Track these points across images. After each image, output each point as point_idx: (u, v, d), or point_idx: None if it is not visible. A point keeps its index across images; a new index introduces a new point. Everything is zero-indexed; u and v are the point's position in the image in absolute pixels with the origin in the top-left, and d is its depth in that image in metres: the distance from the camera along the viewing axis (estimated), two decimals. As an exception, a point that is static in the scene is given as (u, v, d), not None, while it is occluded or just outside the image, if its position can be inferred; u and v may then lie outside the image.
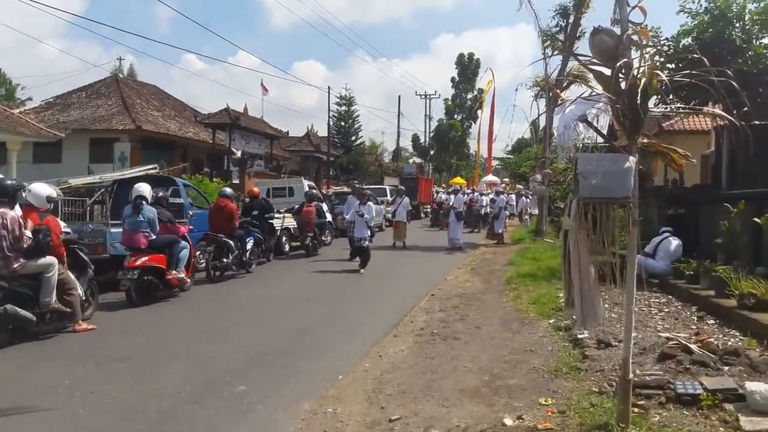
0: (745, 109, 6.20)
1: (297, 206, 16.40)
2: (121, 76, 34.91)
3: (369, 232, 13.32)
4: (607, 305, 4.40)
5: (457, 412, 4.57)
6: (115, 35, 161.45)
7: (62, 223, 7.78)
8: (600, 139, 4.68)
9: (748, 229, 8.21)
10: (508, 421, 4.30)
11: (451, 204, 21.02)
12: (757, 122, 8.40)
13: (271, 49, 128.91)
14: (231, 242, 11.57)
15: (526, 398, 4.81)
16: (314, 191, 19.08)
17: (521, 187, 36.73)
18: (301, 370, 5.83)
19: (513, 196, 31.68)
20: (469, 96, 56.57)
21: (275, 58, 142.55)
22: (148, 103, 28.94)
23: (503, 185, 36.94)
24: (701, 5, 11.29)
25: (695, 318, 7.11)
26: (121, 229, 9.46)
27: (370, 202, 13.72)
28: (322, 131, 43.81)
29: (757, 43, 10.85)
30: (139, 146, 24.03)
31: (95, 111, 26.60)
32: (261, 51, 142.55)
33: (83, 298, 7.64)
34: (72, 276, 7.42)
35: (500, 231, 20.69)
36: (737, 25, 10.89)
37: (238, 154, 27.22)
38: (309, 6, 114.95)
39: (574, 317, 6.53)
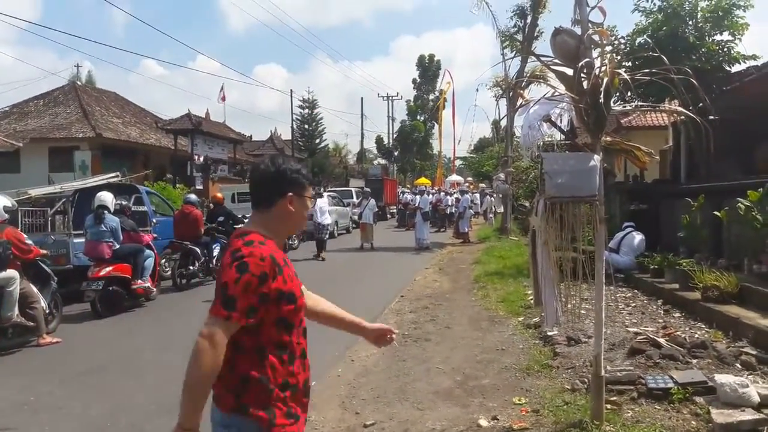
0: (701, 104, 6.37)
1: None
2: (79, 83, 33.95)
3: (329, 219, 12.62)
4: (575, 301, 4.45)
5: (431, 414, 4.56)
6: (72, 42, 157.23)
7: (24, 235, 7.52)
8: (560, 138, 4.75)
9: (708, 223, 8.44)
10: (483, 422, 4.31)
11: (417, 204, 21.10)
12: (713, 117, 8.66)
13: (231, 53, 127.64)
14: (197, 249, 11.37)
15: (500, 398, 4.83)
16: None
17: (484, 185, 37.12)
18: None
19: (477, 195, 32.01)
20: (431, 97, 56.93)
21: (235, 62, 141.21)
22: (108, 110, 28.26)
23: (467, 184, 37.30)
24: (655, 4, 11.54)
25: (661, 311, 7.27)
26: (83, 240, 9.22)
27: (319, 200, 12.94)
28: (286, 134, 43.56)
29: (710, 40, 11.14)
30: (99, 154, 23.41)
31: (53, 119, 25.85)
32: (221, 55, 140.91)
33: (47, 311, 7.40)
34: (34, 288, 7.20)
35: (466, 230, 20.86)
36: (690, 22, 11.17)
37: (201, 159, 26.81)
38: (267, 9, 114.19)
39: (543, 315, 6.62)
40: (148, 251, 9.54)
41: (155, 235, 10.60)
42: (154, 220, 11.92)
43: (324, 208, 16.86)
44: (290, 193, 2.09)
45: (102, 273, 8.60)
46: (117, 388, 5.55)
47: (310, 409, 4.71)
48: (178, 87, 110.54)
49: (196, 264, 11.36)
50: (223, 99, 33.59)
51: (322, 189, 24.06)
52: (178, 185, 22.78)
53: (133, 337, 7.63)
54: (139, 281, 9.20)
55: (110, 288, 8.73)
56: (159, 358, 6.55)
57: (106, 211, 8.98)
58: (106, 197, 9.21)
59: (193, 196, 12.54)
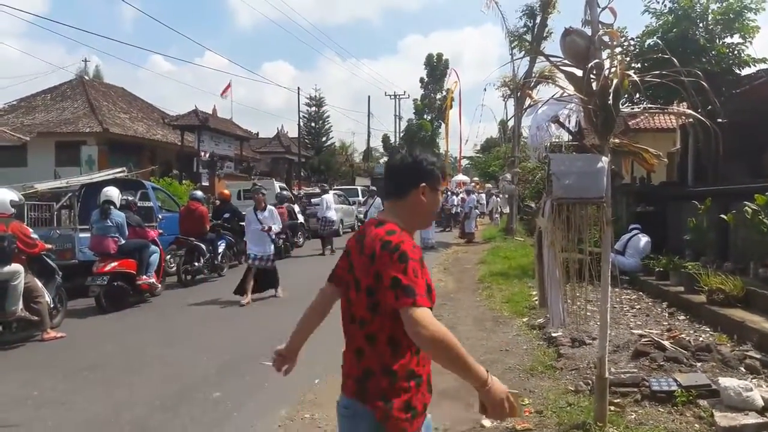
0: (710, 107, 6.33)
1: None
2: (86, 78, 34.09)
3: (272, 247, 9.92)
4: (579, 303, 4.43)
5: (435, 414, 4.51)
6: (80, 36, 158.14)
7: (29, 229, 7.54)
8: (568, 139, 4.73)
9: (715, 226, 8.40)
10: (487, 423, 4.31)
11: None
12: (721, 120, 8.62)
13: (238, 50, 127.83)
14: (202, 245, 11.41)
15: (504, 398, 4.81)
16: (285, 193, 18.96)
17: (490, 186, 37.05)
18: (276, 375, 5.69)
19: (483, 195, 31.96)
20: (438, 96, 56.78)
21: (243, 59, 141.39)
22: (115, 106, 28.36)
23: (473, 184, 37.23)
24: (665, 6, 11.48)
25: (666, 314, 7.24)
26: (89, 234, 9.26)
27: (271, 207, 10.21)
28: (293, 132, 43.54)
29: (720, 42, 11.08)
30: (106, 149, 23.51)
31: (61, 114, 25.96)
32: (229, 51, 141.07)
33: (51, 306, 7.44)
34: (39, 283, 7.22)
35: (471, 230, 20.82)
36: (701, 25, 11.10)
37: (207, 155, 26.88)
38: (275, 6, 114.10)
39: (548, 316, 6.60)
40: (153, 247, 9.58)
41: (161, 231, 10.63)
42: (160, 216, 11.98)
43: (330, 203, 17.10)
44: (423, 184, 2.14)
45: (107, 268, 8.64)
46: (121, 383, 5.56)
47: (314, 408, 4.76)
48: (186, 83, 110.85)
49: (201, 260, 11.40)
50: (223, 93, 33.54)
51: (328, 186, 24.09)
52: (184, 181, 22.85)
53: (137, 332, 7.65)
54: (144, 277, 9.25)
55: (115, 283, 8.78)
56: (163, 353, 6.57)
57: (112, 207, 9.03)
58: (113, 192, 9.25)
59: (199, 193, 12.58)
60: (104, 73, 50.25)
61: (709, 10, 11.11)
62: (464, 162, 52.10)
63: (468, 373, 1.90)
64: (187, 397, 5.14)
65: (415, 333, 1.84)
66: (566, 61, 4.18)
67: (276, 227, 9.93)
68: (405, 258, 1.92)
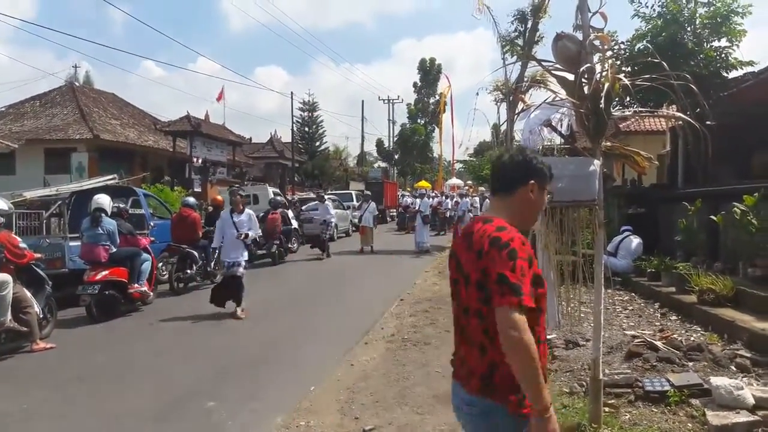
0: (698, 110, 6.39)
1: (262, 214, 16.21)
2: (77, 84, 33.91)
3: (245, 254, 9.19)
4: (573, 305, 4.45)
5: (431, 419, 4.56)
6: (70, 42, 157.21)
7: (18, 239, 7.47)
8: (560, 142, 4.76)
9: (705, 227, 8.47)
10: (482, 426, 4.30)
11: (417, 208, 21.10)
12: (710, 122, 8.68)
13: (231, 55, 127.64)
14: (195, 253, 11.35)
15: (499, 402, 4.82)
16: (279, 198, 18.92)
17: (484, 189, 37.13)
18: (271, 382, 5.74)
19: (477, 199, 32.02)
20: (432, 100, 56.93)
21: (236, 64, 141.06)
22: (106, 112, 28.23)
23: (467, 188, 37.26)
24: (654, 10, 11.58)
25: (658, 314, 7.29)
26: (79, 243, 9.18)
27: (249, 210, 9.55)
28: (286, 137, 43.53)
29: (708, 46, 11.19)
30: (97, 156, 23.39)
31: (50, 120, 25.81)
32: (221, 56, 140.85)
33: (41, 316, 7.36)
34: (28, 293, 7.14)
35: None
36: (689, 29, 11.20)
37: (200, 161, 26.80)
38: (268, 11, 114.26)
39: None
40: (145, 255, 9.52)
41: (152, 239, 10.57)
42: (152, 223, 11.91)
43: (330, 208, 17.85)
44: (533, 181, 2.18)
45: (98, 277, 8.56)
46: (113, 394, 5.51)
47: (309, 415, 4.75)
48: (178, 89, 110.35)
49: (194, 268, 11.34)
50: (219, 99, 33.57)
51: (323, 191, 24.13)
52: (176, 188, 22.74)
53: (129, 342, 7.59)
54: (136, 285, 9.18)
55: (106, 292, 8.69)
56: (155, 363, 6.53)
57: (103, 214, 8.96)
58: (104, 200, 9.19)
59: (191, 199, 12.52)
60: (95, 79, 50.19)
61: (697, 15, 11.22)
62: (458, 166, 52.19)
63: (538, 391, 1.91)
64: (181, 407, 5.11)
65: (507, 334, 1.87)
66: (558, 66, 4.20)
67: (252, 233, 9.26)
68: (514, 255, 1.95)
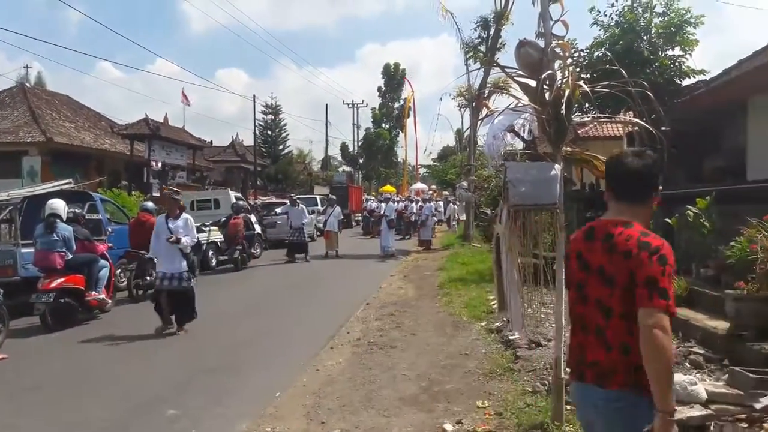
0: (654, 116, 6.60)
1: (224, 219, 15.99)
2: (28, 85, 32.86)
3: (184, 263, 8.14)
4: (534, 306, 4.54)
5: (397, 421, 4.58)
6: (21, 42, 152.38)
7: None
8: (521, 147, 4.86)
9: (660, 229, 8.71)
10: (449, 427, 4.36)
11: (382, 212, 21.15)
12: (665, 128, 8.97)
13: (191, 57, 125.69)
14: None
15: (464, 402, 4.89)
16: (241, 203, 18.70)
17: (447, 193, 37.48)
18: (235, 389, 5.66)
19: (441, 203, 32.33)
20: (396, 105, 57.27)
21: (196, 66, 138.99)
22: (60, 114, 27.40)
23: (431, 192, 37.54)
24: (612, 19, 11.95)
25: (617, 315, 7.46)
26: (32, 249, 8.87)
27: (186, 215, 8.46)
28: (248, 140, 43.05)
29: (662, 55, 11.59)
30: (50, 160, 22.65)
31: (-1, 123, 24.94)
32: (181, 58, 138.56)
33: (-9, 326, 7.08)
34: (-22, 302, 6.87)
35: (427, 238, 21.02)
36: (645, 38, 11.59)
37: (159, 165, 26.30)
38: (229, 12, 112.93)
39: (504, 319, 6.72)
40: (102, 261, 9.29)
41: (110, 245, 10.32)
42: (109, 229, 11.59)
43: (304, 212, 18.07)
44: (659, 188, 2.26)
45: (53, 284, 8.28)
46: (70, 404, 5.35)
47: (275, 421, 4.70)
48: (136, 91, 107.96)
49: (153, 274, 11.09)
50: (187, 100, 33.18)
51: (295, 195, 23.97)
52: (134, 192, 22.27)
53: (86, 351, 7.34)
54: (93, 293, 8.92)
55: (62, 300, 8.39)
56: (115, 372, 6.36)
57: (58, 220, 8.70)
58: (58, 205, 8.92)
59: (150, 204, 12.25)
60: (47, 81, 48.74)
61: (653, 24, 11.61)
62: (422, 170, 52.62)
63: (666, 393, 1.99)
64: (142, 415, 4.99)
65: (651, 335, 1.96)
66: (521, 72, 4.30)
67: (187, 240, 8.07)
68: (664, 261, 2.03)
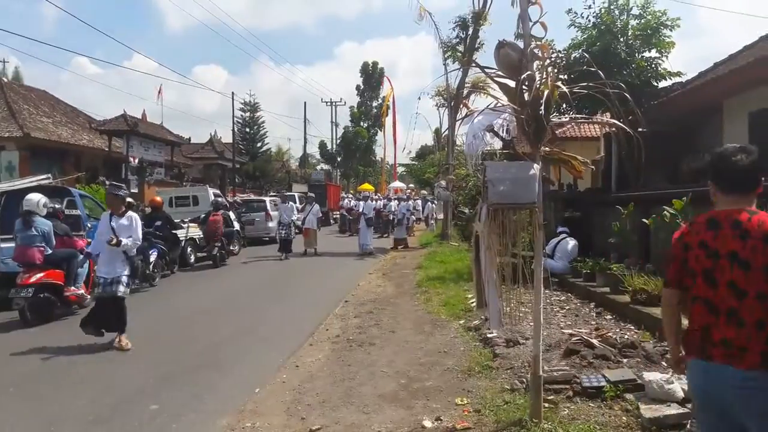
0: (631, 117, 6.73)
1: (203, 215, 15.89)
2: (5, 80, 32.22)
3: (126, 269, 7.23)
4: (513, 304, 4.61)
5: (377, 417, 4.62)
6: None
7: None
8: (499, 146, 4.93)
9: (637, 230, 8.89)
10: (428, 423, 4.41)
11: (361, 210, 21.18)
12: (642, 129, 9.12)
13: (169, 53, 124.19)
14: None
15: (443, 399, 4.95)
16: (221, 199, 18.59)
17: (425, 192, 37.64)
18: (215, 385, 5.66)
19: (419, 202, 32.46)
20: (374, 104, 57.37)
21: (174, 62, 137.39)
22: (37, 109, 26.94)
23: (409, 191, 37.64)
24: (590, 20, 12.13)
25: (594, 314, 7.61)
26: (12, 244, 8.76)
27: (132, 213, 7.53)
28: (226, 138, 42.78)
29: (639, 56, 11.79)
30: (28, 155, 22.30)
31: (-25, 117, 24.43)
32: (158, 54, 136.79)
33: (-32, 321, 6.98)
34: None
35: (402, 236, 21.12)
36: (621, 39, 11.78)
37: (136, 161, 26.01)
38: (208, 9, 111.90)
39: (483, 317, 6.81)
40: (82, 257, 9.20)
41: (89, 240, 10.18)
42: (89, 225, 11.45)
43: (294, 209, 18.77)
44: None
45: (32, 279, 8.21)
46: (49, 399, 5.31)
47: (255, 417, 4.73)
48: (113, 87, 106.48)
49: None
50: (157, 97, 32.79)
51: (279, 192, 24.02)
52: (112, 188, 21.95)
53: (65, 346, 7.25)
54: (73, 288, 8.86)
55: (41, 295, 8.34)
56: (94, 368, 6.31)
57: (36, 215, 8.60)
58: (36, 199, 8.81)
59: (128, 199, 12.13)
60: (24, 75, 47.86)
61: (629, 26, 11.81)
62: (400, 169, 52.69)
63: None
64: (122, 410, 4.97)
65: None
66: (500, 72, 4.36)
67: (128, 242, 7.10)
68: None
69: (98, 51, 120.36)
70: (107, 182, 11.55)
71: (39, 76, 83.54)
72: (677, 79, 12.08)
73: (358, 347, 6.85)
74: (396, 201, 26.10)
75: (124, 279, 7.15)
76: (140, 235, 7.48)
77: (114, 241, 6.97)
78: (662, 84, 12.13)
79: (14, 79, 40.05)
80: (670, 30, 11.72)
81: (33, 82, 64.38)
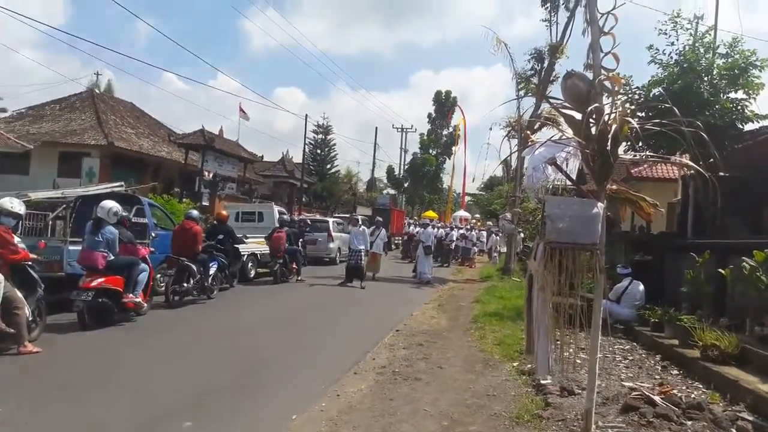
0: (711, 160, 6.28)
1: (271, 232, 16.22)
2: (97, 91, 34.41)
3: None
4: (571, 350, 4.28)
5: None
6: (95, 50, 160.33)
7: (14, 236, 7.37)
8: (566, 181, 4.65)
9: (712, 279, 8.26)
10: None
11: (418, 237, 20.91)
12: (722, 174, 8.55)
13: (251, 74, 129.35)
14: (193, 266, 11.25)
15: (486, 447, 4.63)
16: (286, 216, 18.87)
17: (491, 224, 37.03)
18: (253, 407, 5.56)
19: (483, 233, 31.93)
20: (445, 132, 57.30)
21: (255, 83, 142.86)
22: (123, 120, 28.55)
23: (474, 221, 37.14)
24: (672, 57, 11.57)
25: (659, 367, 7.06)
26: (80, 248, 9.10)
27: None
28: (298, 157, 43.77)
29: (724, 97, 11.11)
30: (109, 162, 23.59)
31: (67, 124, 26.12)
32: (241, 75, 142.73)
33: (30, 319, 7.22)
34: (19, 294, 7.02)
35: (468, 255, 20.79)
36: (705, 78, 11.15)
37: (210, 175, 26.93)
38: (290, 33, 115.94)
39: (532, 364, 6.43)
40: (143, 265, 9.42)
41: (152, 249, 10.49)
42: (154, 234, 11.83)
43: (366, 234, 16.99)
44: None
45: (93, 284, 8.46)
46: (91, 404, 5.36)
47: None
48: (196, 103, 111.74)
49: (191, 281, 11.23)
50: (245, 114, 34.11)
51: (351, 215, 23.98)
52: (184, 199, 22.81)
53: (116, 353, 7.42)
54: (131, 295, 9.05)
55: (100, 300, 8.55)
56: (139, 377, 6.37)
57: (106, 222, 8.90)
58: (108, 207, 9.11)
59: (195, 212, 12.49)
60: (116, 88, 50.97)
61: (715, 65, 11.17)
62: (467, 199, 52.19)
63: None
64: (158, 424, 4.94)
65: None
66: (566, 104, 4.13)
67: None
68: None
69: (185, 69, 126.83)
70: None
71: (130, 89, 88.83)
72: (766, 123, 11.29)
73: (402, 381, 6.60)
74: (462, 230, 25.72)
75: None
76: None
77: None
78: (748, 127, 11.37)
79: (106, 91, 42.67)
80: (760, 70, 11.00)
81: (123, 95, 68.53)
